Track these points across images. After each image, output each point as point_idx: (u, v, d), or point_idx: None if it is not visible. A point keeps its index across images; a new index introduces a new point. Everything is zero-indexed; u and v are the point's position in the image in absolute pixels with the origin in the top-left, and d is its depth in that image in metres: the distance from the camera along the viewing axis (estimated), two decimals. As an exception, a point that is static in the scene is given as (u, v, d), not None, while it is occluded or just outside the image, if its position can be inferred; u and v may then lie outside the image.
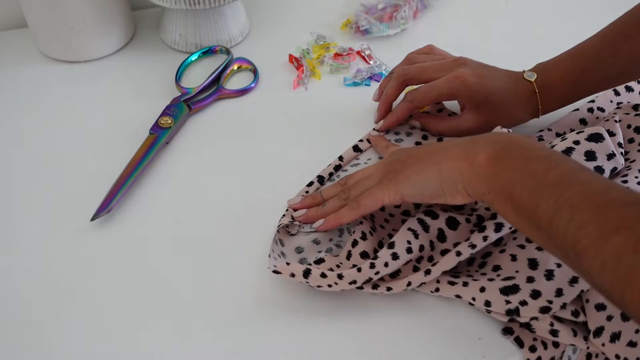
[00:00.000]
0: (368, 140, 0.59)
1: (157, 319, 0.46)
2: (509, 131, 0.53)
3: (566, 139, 0.50)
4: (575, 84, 0.55)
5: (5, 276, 0.48)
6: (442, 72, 0.56)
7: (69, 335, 0.45)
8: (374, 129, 0.60)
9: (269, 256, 0.47)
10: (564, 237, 0.35)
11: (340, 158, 0.57)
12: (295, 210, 0.52)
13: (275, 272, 0.46)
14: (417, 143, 0.59)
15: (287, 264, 0.46)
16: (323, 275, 0.44)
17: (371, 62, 0.70)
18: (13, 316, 0.46)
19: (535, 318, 0.43)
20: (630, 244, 0.32)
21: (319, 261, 0.47)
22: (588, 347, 0.43)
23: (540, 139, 0.58)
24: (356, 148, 0.58)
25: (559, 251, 0.37)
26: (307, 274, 0.45)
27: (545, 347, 0.44)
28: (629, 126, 0.55)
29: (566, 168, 0.38)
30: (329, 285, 0.45)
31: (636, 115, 0.56)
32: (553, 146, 0.50)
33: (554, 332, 0.43)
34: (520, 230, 0.40)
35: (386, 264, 0.44)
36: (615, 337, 0.42)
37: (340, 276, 0.44)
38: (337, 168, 0.57)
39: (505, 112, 0.56)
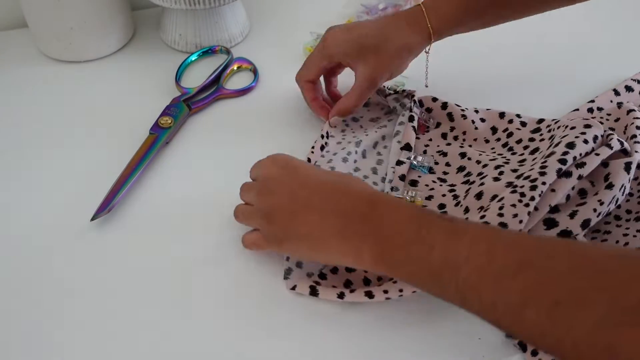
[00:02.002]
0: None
1: (157, 318, 0.46)
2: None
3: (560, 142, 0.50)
4: (460, 6, 0.55)
5: (6, 276, 0.48)
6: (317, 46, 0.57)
7: (69, 335, 0.45)
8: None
9: (287, 272, 0.48)
10: (486, 318, 0.35)
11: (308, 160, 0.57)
12: None
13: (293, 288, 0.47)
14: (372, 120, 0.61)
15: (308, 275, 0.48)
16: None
17: None
18: (13, 316, 0.46)
19: None
20: (542, 316, 0.31)
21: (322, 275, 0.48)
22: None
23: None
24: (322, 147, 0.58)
25: (491, 324, 0.36)
26: (315, 291, 0.46)
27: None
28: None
29: (442, 245, 0.37)
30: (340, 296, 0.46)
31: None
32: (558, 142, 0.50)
33: None
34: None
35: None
36: None
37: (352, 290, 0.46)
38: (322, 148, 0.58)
39: (385, 43, 0.55)
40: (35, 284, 0.48)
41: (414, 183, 0.55)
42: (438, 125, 0.60)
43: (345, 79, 0.62)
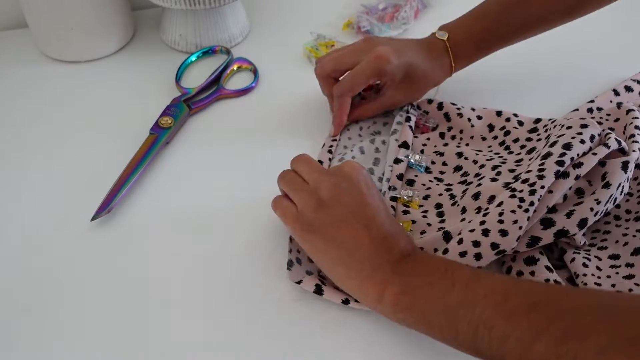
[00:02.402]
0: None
1: (157, 318, 0.46)
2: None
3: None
4: (478, 43, 0.59)
5: (6, 276, 0.48)
6: (359, 54, 0.57)
7: (69, 335, 0.45)
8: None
9: (289, 264, 0.48)
10: (492, 354, 0.37)
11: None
12: None
13: (299, 282, 0.47)
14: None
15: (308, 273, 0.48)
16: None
17: None
18: (13, 316, 0.46)
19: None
20: (551, 349, 0.34)
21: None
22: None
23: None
24: (329, 150, 0.59)
25: None
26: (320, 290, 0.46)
27: None
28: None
29: (463, 284, 0.39)
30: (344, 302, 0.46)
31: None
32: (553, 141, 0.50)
33: None
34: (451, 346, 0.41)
35: None
36: None
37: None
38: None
39: (423, 79, 0.59)
40: (35, 284, 0.48)
41: (410, 182, 0.55)
42: (436, 127, 0.60)
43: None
